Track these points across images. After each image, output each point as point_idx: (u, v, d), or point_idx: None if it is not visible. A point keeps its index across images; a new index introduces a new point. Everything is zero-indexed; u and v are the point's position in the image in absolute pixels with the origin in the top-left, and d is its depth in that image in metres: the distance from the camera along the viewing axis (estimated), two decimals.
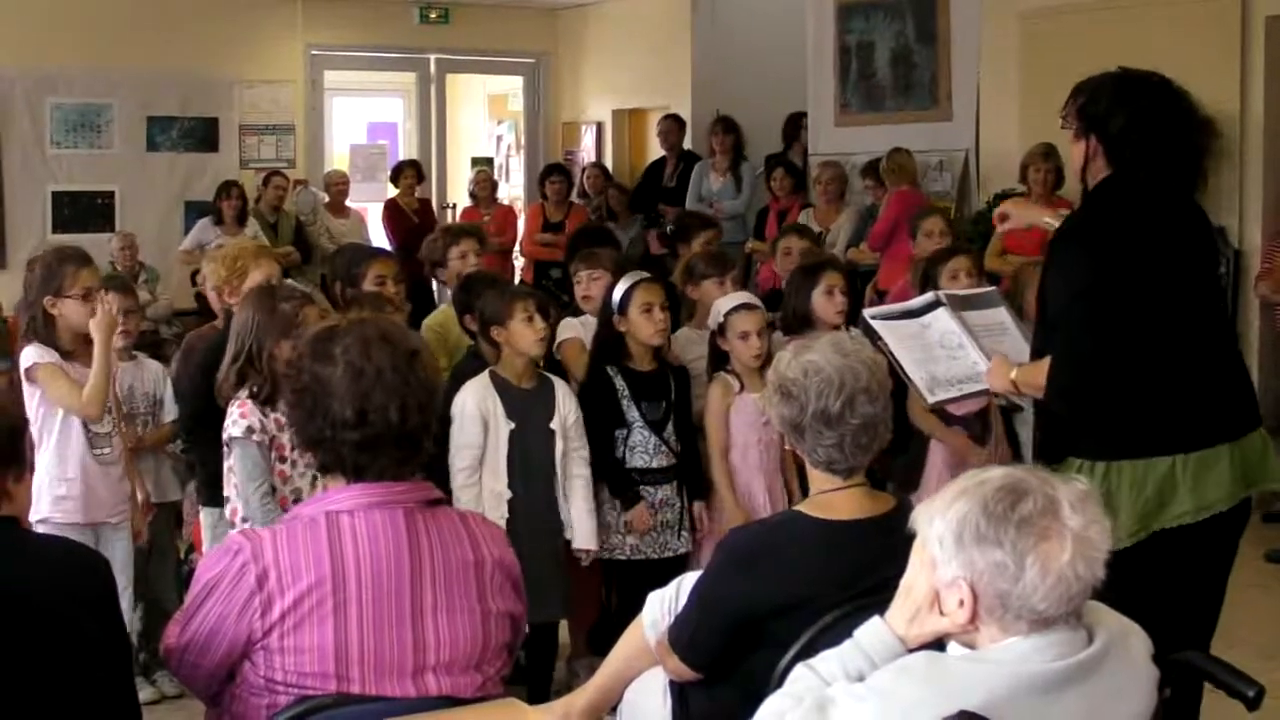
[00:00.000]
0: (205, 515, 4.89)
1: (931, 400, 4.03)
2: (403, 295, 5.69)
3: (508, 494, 4.89)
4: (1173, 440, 3.60)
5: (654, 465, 5.12)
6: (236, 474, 4.29)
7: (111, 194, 12.05)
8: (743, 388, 5.07)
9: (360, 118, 15.38)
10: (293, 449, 4.30)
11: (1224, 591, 3.83)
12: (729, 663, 3.01)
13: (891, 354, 3.89)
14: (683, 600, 3.13)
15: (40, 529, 4.67)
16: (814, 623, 2.80)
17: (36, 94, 11.73)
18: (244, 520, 4.25)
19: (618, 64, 13.38)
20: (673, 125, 11.71)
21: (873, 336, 3.99)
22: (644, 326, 5.11)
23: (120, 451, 5.01)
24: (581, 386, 5.20)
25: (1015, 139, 8.96)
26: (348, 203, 12.06)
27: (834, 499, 3.05)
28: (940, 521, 2.28)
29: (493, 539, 2.93)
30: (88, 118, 11.97)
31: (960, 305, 4.06)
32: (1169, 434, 3.60)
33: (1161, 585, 3.53)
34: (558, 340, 5.43)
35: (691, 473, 5.19)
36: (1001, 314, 4.16)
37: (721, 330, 5.12)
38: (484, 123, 15.50)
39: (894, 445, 3.31)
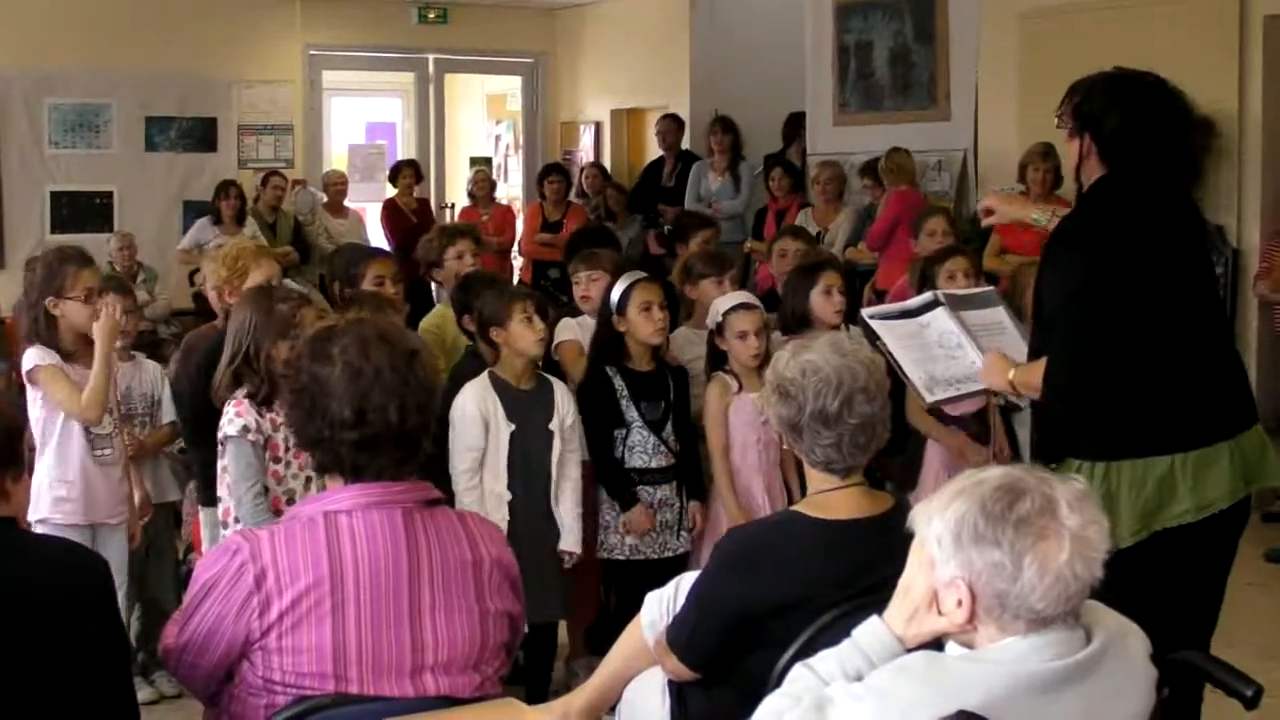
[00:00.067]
0: (205, 515, 4.88)
1: (930, 400, 4.03)
2: (401, 295, 5.69)
3: (508, 495, 4.89)
4: (1171, 439, 3.60)
5: (653, 465, 5.13)
6: (230, 473, 4.29)
7: (110, 194, 12.05)
8: (741, 387, 5.06)
9: (359, 118, 15.38)
10: (287, 449, 4.31)
11: (1224, 590, 3.83)
12: (727, 663, 3.01)
13: (890, 353, 3.90)
14: (681, 600, 3.13)
15: (40, 529, 4.68)
16: (812, 622, 2.80)
17: (35, 94, 11.73)
18: (236, 520, 4.26)
19: (616, 64, 13.38)
20: (671, 125, 11.71)
21: (871, 336, 3.99)
22: (643, 326, 5.11)
23: (120, 452, 5.01)
24: (580, 386, 5.20)
25: (1014, 138, 8.96)
26: (346, 203, 12.06)
27: (832, 499, 3.05)
28: (938, 521, 2.28)
29: (491, 539, 2.93)
30: (86, 118, 11.97)
31: (958, 305, 4.06)
32: (1167, 433, 3.60)
33: (1161, 584, 3.53)
34: (555, 341, 5.43)
35: (690, 473, 5.19)
36: (1000, 314, 4.16)
37: (720, 330, 5.12)
38: (482, 122, 15.50)
39: (892, 445, 3.31)
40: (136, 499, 5.15)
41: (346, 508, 2.78)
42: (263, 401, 4.28)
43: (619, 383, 5.13)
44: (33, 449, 4.80)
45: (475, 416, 4.88)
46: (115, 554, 4.86)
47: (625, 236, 10.57)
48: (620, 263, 5.91)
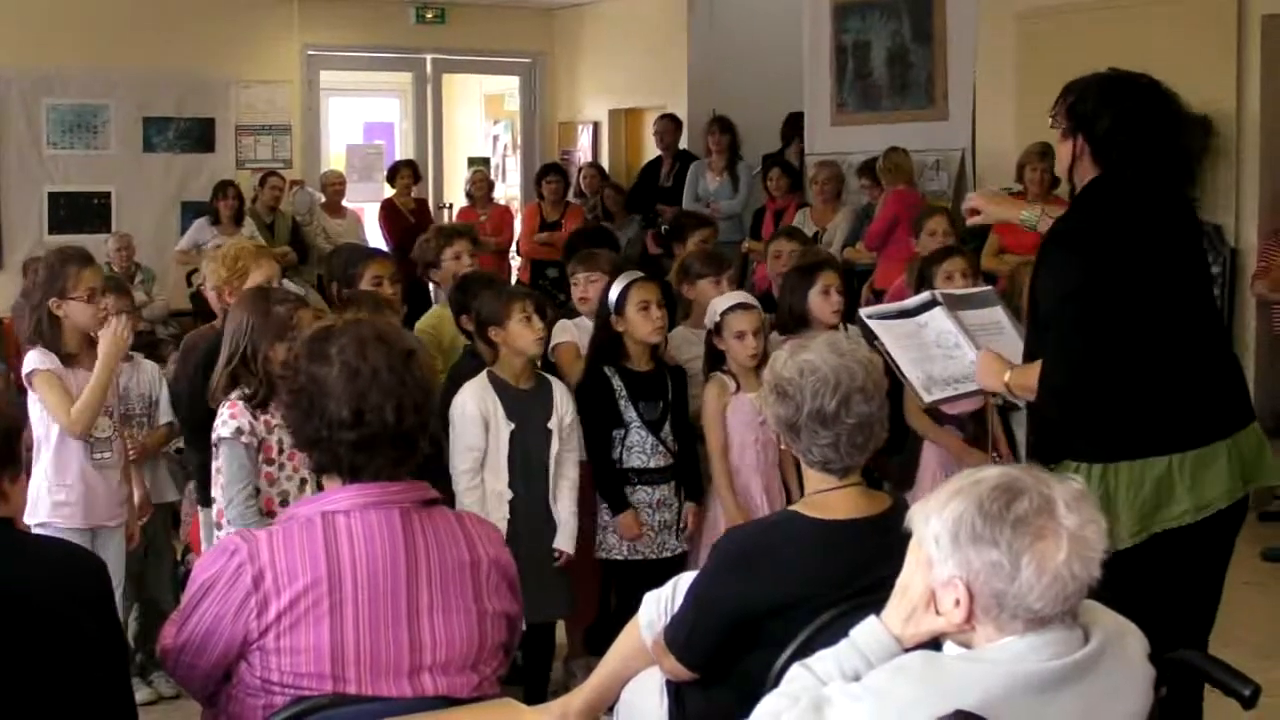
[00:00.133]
0: (204, 515, 4.89)
1: (928, 400, 4.04)
2: (399, 296, 5.69)
3: (509, 494, 4.90)
4: (1168, 440, 3.60)
5: (651, 465, 5.13)
6: (222, 475, 4.30)
7: (108, 195, 12.05)
8: (739, 387, 5.06)
9: (356, 118, 15.37)
10: (280, 452, 4.31)
11: (1221, 590, 3.83)
12: (725, 663, 3.01)
13: (888, 353, 3.90)
14: (679, 600, 3.13)
15: (39, 534, 4.67)
16: (810, 622, 2.81)
17: (33, 95, 11.73)
18: (228, 521, 4.26)
19: (614, 64, 13.39)
20: (669, 125, 11.71)
21: (869, 336, 3.99)
22: (641, 325, 5.10)
23: (120, 455, 5.01)
24: (579, 387, 5.20)
25: (1011, 138, 8.97)
26: (344, 203, 12.06)
27: (830, 499, 3.05)
28: (936, 521, 2.28)
29: (488, 539, 2.93)
30: (84, 118, 11.97)
31: (956, 305, 4.06)
32: (1164, 433, 3.60)
33: (1160, 584, 3.53)
34: (553, 343, 5.43)
35: (689, 473, 5.19)
36: (997, 313, 4.16)
37: (718, 330, 5.12)
38: (480, 123, 15.50)
39: (890, 445, 3.31)
40: (136, 499, 5.15)
41: (344, 508, 2.78)
42: (259, 403, 4.28)
43: (617, 383, 5.13)
44: (29, 449, 4.80)
45: (475, 416, 4.88)
46: (114, 555, 4.85)
47: (623, 236, 10.57)
48: (618, 263, 5.91)
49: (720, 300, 5.20)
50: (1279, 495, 7.47)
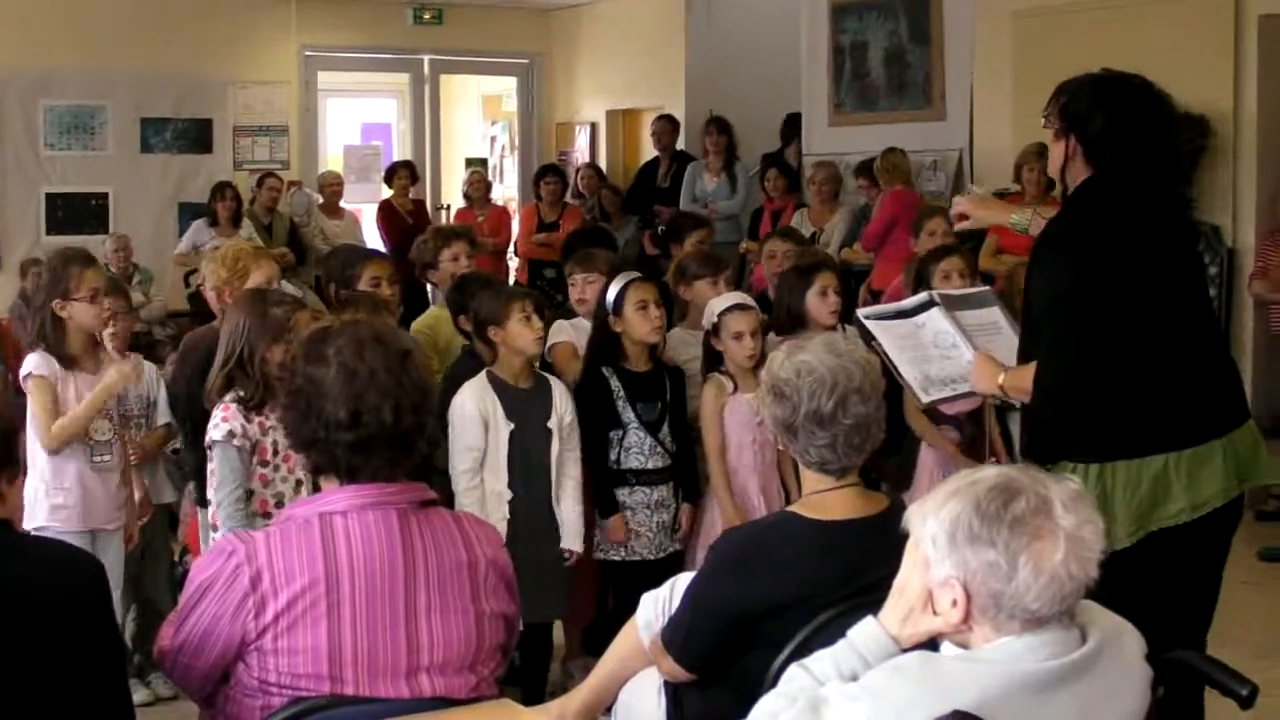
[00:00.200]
0: (202, 516, 4.89)
1: (926, 400, 4.04)
2: (398, 297, 5.69)
3: (508, 494, 4.90)
4: (1164, 439, 3.60)
5: (649, 466, 5.13)
6: (214, 477, 4.31)
7: (105, 195, 12.06)
8: (736, 388, 5.06)
9: (354, 119, 15.38)
10: (275, 454, 4.32)
11: (1219, 588, 3.83)
12: (723, 663, 3.01)
13: (885, 354, 3.90)
14: (677, 601, 3.13)
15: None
16: (808, 623, 2.81)
17: (30, 96, 11.74)
18: (219, 524, 4.27)
19: (612, 64, 13.39)
20: (666, 126, 11.72)
21: (866, 337, 3.99)
22: (640, 324, 5.10)
23: (119, 458, 5.01)
24: (576, 388, 5.20)
25: (1009, 138, 8.97)
26: (342, 204, 12.06)
27: (827, 499, 3.05)
28: (933, 521, 2.28)
29: (486, 539, 2.93)
30: (81, 119, 11.97)
31: (954, 305, 4.06)
32: (1160, 433, 3.61)
33: (1157, 584, 3.54)
34: (550, 343, 5.43)
35: (687, 473, 5.19)
36: (995, 314, 4.16)
37: (715, 330, 5.12)
38: (478, 123, 15.50)
39: (887, 445, 3.32)
40: (136, 499, 5.15)
41: (342, 509, 2.78)
42: (255, 405, 4.29)
43: (615, 383, 5.13)
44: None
45: (474, 416, 4.88)
46: (113, 558, 4.85)
47: (621, 237, 10.58)
48: (616, 264, 5.91)
49: (718, 301, 5.20)
50: (1276, 495, 7.48)
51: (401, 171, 12.22)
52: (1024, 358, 3.73)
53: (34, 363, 4.85)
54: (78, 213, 11.90)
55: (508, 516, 4.86)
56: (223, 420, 4.28)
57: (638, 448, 5.12)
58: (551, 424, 5.00)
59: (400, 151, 14.06)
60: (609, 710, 3.31)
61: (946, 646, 2.34)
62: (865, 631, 2.43)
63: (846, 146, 10.52)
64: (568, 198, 11.73)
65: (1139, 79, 3.71)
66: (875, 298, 7.85)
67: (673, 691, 3.16)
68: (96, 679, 2.69)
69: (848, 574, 2.87)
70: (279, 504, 4.26)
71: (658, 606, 3.20)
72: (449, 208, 13.45)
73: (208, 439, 4.31)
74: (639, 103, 13.16)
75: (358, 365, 2.77)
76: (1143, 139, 3.62)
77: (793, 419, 3.02)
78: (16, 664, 2.55)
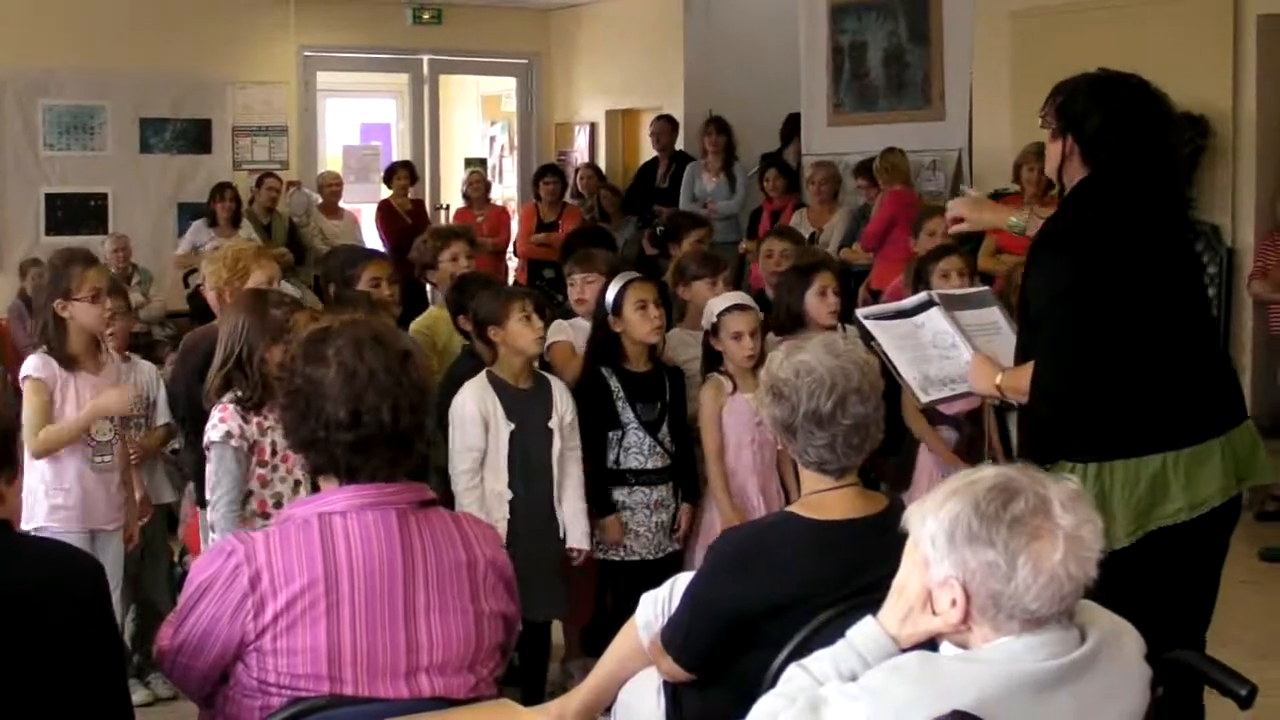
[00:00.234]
0: (203, 516, 4.89)
1: (925, 400, 4.04)
2: (397, 297, 5.68)
3: (509, 494, 4.90)
4: (1162, 438, 3.60)
5: (649, 466, 5.12)
6: (211, 477, 4.31)
7: (104, 196, 12.06)
8: (735, 388, 5.06)
9: (353, 119, 15.38)
10: (274, 454, 4.32)
11: (1217, 588, 3.83)
12: (722, 663, 3.01)
13: (884, 354, 3.90)
14: (676, 601, 3.13)
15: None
16: (807, 623, 2.81)
17: (29, 96, 11.74)
18: (212, 525, 4.28)
19: (611, 64, 13.39)
20: (665, 126, 11.72)
21: (866, 337, 3.99)
22: (640, 324, 5.10)
23: (120, 459, 5.01)
24: (575, 388, 5.19)
25: (1008, 138, 8.98)
26: (341, 204, 12.06)
27: (826, 499, 3.05)
28: (932, 521, 2.28)
29: (485, 539, 2.93)
30: (80, 119, 11.97)
31: (953, 305, 4.06)
32: (1158, 432, 3.61)
33: (1156, 583, 3.54)
34: (547, 342, 5.42)
35: (686, 474, 5.19)
36: (994, 314, 4.16)
37: (715, 330, 5.12)
38: (477, 123, 15.50)
39: (886, 445, 3.32)
40: (137, 498, 5.16)
41: (341, 509, 2.78)
42: (253, 406, 4.29)
43: (614, 384, 5.12)
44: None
45: (475, 416, 4.87)
46: (112, 558, 4.85)
47: (620, 237, 10.58)
48: (615, 264, 5.90)
49: (717, 301, 5.20)
50: (1276, 495, 7.48)
51: (401, 172, 12.22)
52: (1021, 357, 3.73)
53: (33, 365, 4.85)
54: (77, 213, 11.90)
55: (508, 516, 4.86)
56: (220, 421, 4.28)
57: (637, 448, 5.11)
58: (552, 424, 4.99)
59: (399, 152, 14.06)
60: (608, 710, 3.32)
61: (946, 646, 2.34)
62: (864, 631, 2.43)
63: (845, 146, 10.53)
64: (567, 198, 11.72)
65: (1135, 78, 3.71)
66: (874, 298, 7.85)
67: (672, 692, 3.16)
68: (96, 679, 2.69)
69: (847, 574, 2.87)
70: (277, 504, 4.26)
71: (657, 607, 3.20)
72: (448, 208, 13.44)
73: (205, 439, 4.31)
74: (638, 103, 13.16)
75: (357, 365, 2.78)
76: (1139, 138, 3.63)
77: (791, 419, 3.02)
78: (16, 664, 2.55)
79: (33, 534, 4.65)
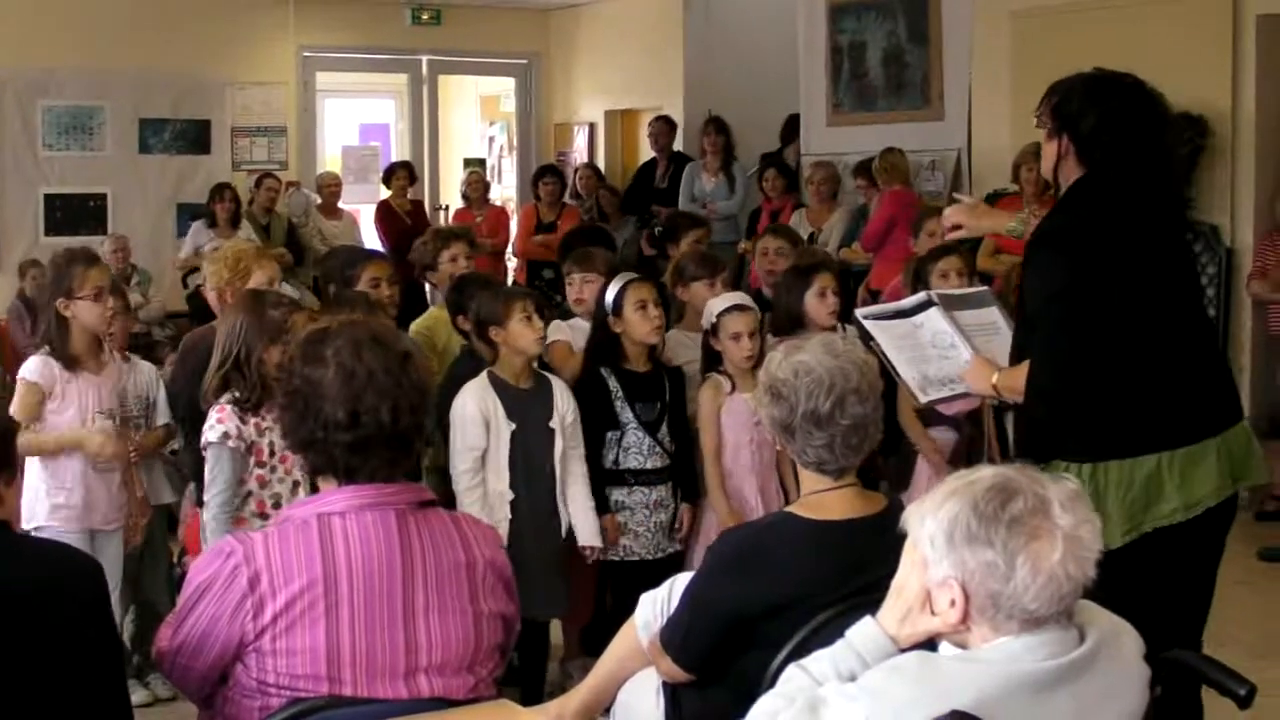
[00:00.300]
0: (203, 517, 4.90)
1: (924, 400, 4.04)
2: (396, 297, 5.68)
3: (510, 494, 4.90)
4: (1157, 438, 3.60)
5: (648, 466, 5.12)
6: (207, 477, 4.32)
7: (104, 196, 12.06)
8: (734, 388, 5.06)
9: (352, 119, 15.38)
10: (272, 454, 4.32)
11: (1213, 588, 3.83)
12: (721, 664, 3.01)
13: (883, 354, 3.90)
14: (675, 601, 3.13)
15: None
16: (806, 623, 2.81)
17: (28, 96, 11.74)
18: (205, 525, 4.29)
19: (610, 65, 13.39)
20: (663, 127, 11.73)
21: (865, 337, 3.99)
22: (640, 324, 5.10)
23: (121, 459, 5.01)
24: (574, 388, 5.19)
25: (1007, 138, 8.97)
26: (340, 204, 12.05)
27: (825, 499, 3.05)
28: (931, 521, 2.28)
29: (484, 540, 2.93)
30: (80, 120, 11.97)
31: (952, 305, 4.05)
32: (1152, 432, 3.61)
33: (1151, 584, 3.54)
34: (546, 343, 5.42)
35: (686, 474, 5.19)
36: (993, 314, 4.16)
37: (714, 331, 5.12)
38: (476, 124, 15.50)
39: (885, 445, 3.32)
40: (138, 497, 5.16)
41: (340, 510, 2.78)
42: (251, 406, 4.29)
43: (613, 384, 5.12)
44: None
45: (476, 416, 4.87)
46: (112, 558, 4.86)
47: (619, 238, 10.57)
48: (614, 264, 5.90)
49: (717, 301, 5.19)
50: (1276, 495, 7.49)
51: (400, 172, 12.22)
52: (1017, 356, 3.73)
53: (30, 367, 4.87)
54: (76, 213, 11.89)
55: (509, 516, 4.87)
56: (218, 422, 4.29)
57: (636, 448, 5.11)
58: (553, 424, 4.99)
59: (398, 152, 14.06)
60: (608, 710, 3.32)
61: (945, 646, 2.34)
62: (863, 632, 2.44)
63: (845, 146, 10.53)
64: (566, 198, 11.72)
65: (1130, 78, 3.71)
66: (874, 297, 7.85)
67: (671, 692, 3.16)
68: (95, 680, 2.70)
69: (846, 574, 2.88)
70: (276, 505, 4.26)
71: (656, 607, 3.20)
72: (447, 208, 13.44)
73: (203, 440, 4.32)
74: (637, 103, 13.16)
75: (356, 366, 2.78)
76: (1134, 138, 3.63)
77: (790, 419, 3.02)
78: (15, 665, 2.56)
79: (33, 534, 4.67)
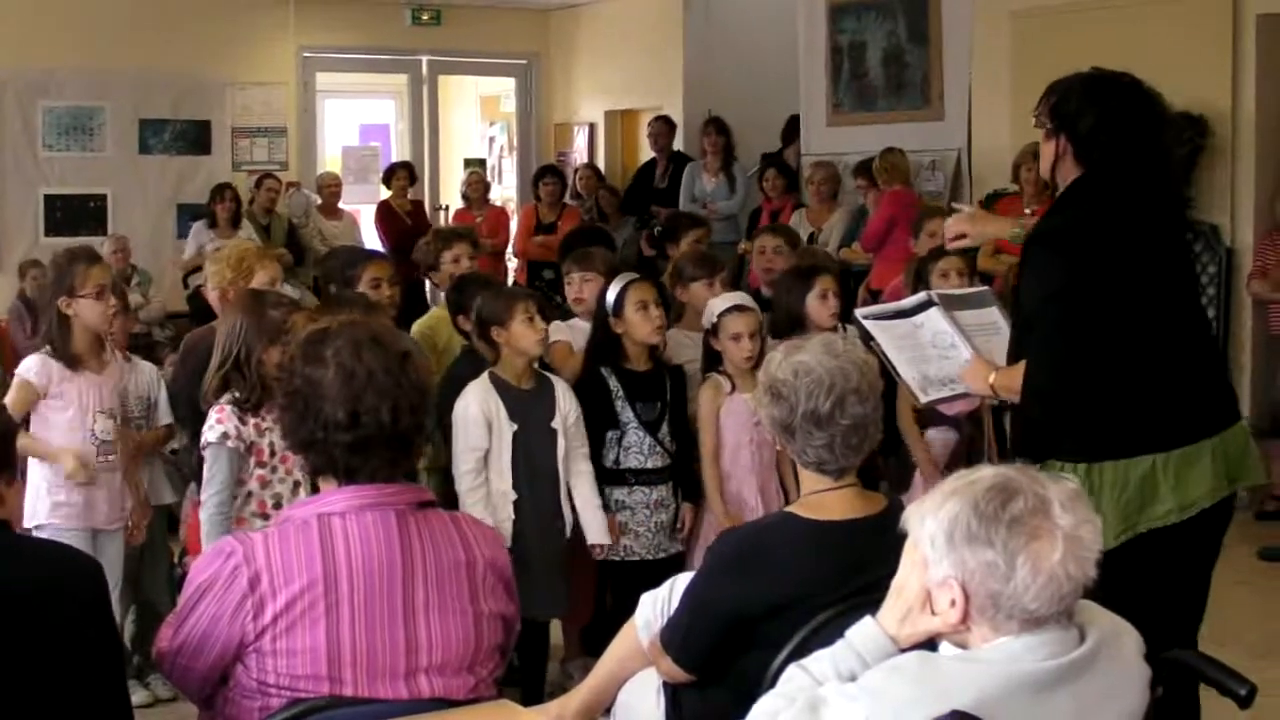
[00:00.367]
0: None
1: (924, 400, 4.04)
2: (397, 298, 5.68)
3: (513, 495, 4.90)
4: (1152, 439, 3.60)
5: (649, 466, 5.12)
6: (204, 477, 4.32)
7: (104, 197, 12.06)
8: (734, 388, 5.06)
9: (352, 119, 15.38)
10: (273, 454, 4.33)
11: (1208, 589, 3.83)
12: (721, 664, 3.01)
13: (884, 354, 3.90)
14: (675, 601, 3.13)
15: (39, 535, 4.67)
16: (806, 623, 2.81)
17: (28, 96, 11.74)
18: (203, 524, 4.29)
19: (610, 65, 13.39)
20: (662, 127, 11.73)
21: (865, 337, 3.99)
22: (641, 325, 5.10)
23: (122, 458, 5.01)
24: (575, 387, 5.19)
25: (1007, 138, 8.97)
26: (340, 205, 12.06)
27: (825, 499, 3.05)
28: (931, 521, 2.28)
29: (484, 540, 2.93)
30: (80, 120, 11.97)
31: (952, 305, 4.05)
32: (1148, 433, 3.60)
33: (1146, 585, 3.53)
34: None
35: (686, 474, 5.19)
36: (994, 313, 4.15)
37: (715, 331, 5.12)
38: (476, 124, 15.50)
39: (885, 445, 3.32)
40: (141, 494, 5.16)
41: (340, 510, 2.78)
42: (251, 407, 4.29)
43: (614, 383, 5.12)
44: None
45: (478, 417, 4.87)
46: (112, 558, 4.86)
47: (619, 238, 10.57)
48: (613, 264, 5.90)
49: (718, 301, 5.19)
50: (1276, 495, 7.48)
51: (400, 172, 12.22)
52: (1014, 357, 3.73)
53: (27, 366, 4.87)
54: (76, 214, 11.89)
55: (512, 516, 4.87)
56: (217, 422, 4.29)
57: (637, 447, 5.11)
58: (555, 424, 4.99)
59: (399, 152, 14.06)
60: (608, 711, 3.32)
61: (945, 646, 2.34)
62: (863, 632, 2.44)
63: (845, 146, 10.53)
64: (567, 198, 11.72)
65: (1128, 78, 3.72)
66: (874, 297, 7.85)
67: (671, 692, 3.16)
68: (95, 680, 2.69)
69: (846, 574, 2.88)
70: (277, 505, 4.27)
71: (657, 607, 3.20)
72: (447, 208, 13.44)
73: (202, 440, 4.32)
74: (637, 103, 13.16)
75: (356, 366, 2.78)
76: (1131, 137, 3.63)
77: (790, 419, 3.02)
78: (15, 665, 2.56)
79: (34, 531, 4.68)
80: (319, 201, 11.93)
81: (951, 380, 3.94)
